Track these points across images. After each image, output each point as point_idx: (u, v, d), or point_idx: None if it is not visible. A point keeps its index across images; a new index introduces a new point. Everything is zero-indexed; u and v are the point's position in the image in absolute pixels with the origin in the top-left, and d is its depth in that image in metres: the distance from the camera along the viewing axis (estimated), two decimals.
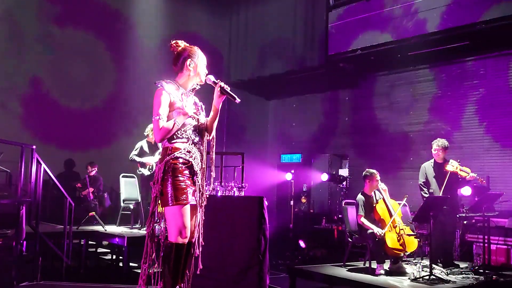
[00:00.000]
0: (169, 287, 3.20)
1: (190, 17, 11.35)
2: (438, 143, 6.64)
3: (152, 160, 7.71)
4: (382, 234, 5.83)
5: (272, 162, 11.77)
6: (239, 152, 6.38)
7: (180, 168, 3.23)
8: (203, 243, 3.47)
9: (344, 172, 10.92)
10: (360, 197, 6.29)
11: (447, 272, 5.93)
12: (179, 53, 3.44)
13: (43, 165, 6.06)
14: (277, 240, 8.89)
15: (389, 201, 6.25)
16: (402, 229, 6.00)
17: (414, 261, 6.21)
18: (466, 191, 7.21)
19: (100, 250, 8.37)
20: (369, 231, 6.01)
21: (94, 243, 8.07)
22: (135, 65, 10.12)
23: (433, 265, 5.67)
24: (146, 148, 7.82)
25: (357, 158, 10.54)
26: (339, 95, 11.28)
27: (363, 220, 6.10)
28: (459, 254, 7.30)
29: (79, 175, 9.37)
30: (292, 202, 10.27)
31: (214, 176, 3.65)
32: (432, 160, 6.74)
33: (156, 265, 3.28)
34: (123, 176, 8.44)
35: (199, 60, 3.44)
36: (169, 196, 3.18)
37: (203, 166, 3.41)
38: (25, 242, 6.31)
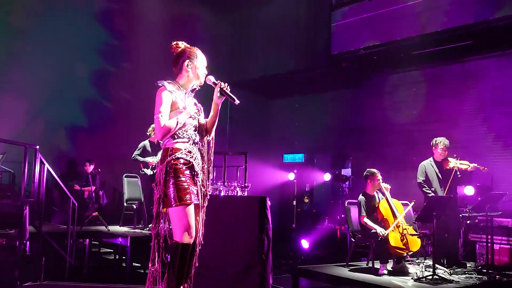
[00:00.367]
0: (173, 287, 3.20)
1: (193, 17, 11.35)
2: (444, 142, 6.61)
3: (155, 160, 7.72)
4: (386, 235, 5.83)
5: (275, 162, 11.77)
6: (242, 152, 6.38)
7: (181, 169, 3.23)
8: (202, 242, 3.46)
9: (346, 172, 10.92)
10: (361, 197, 6.27)
11: (450, 272, 5.91)
12: (178, 54, 3.46)
13: (47, 165, 6.08)
14: (280, 240, 8.89)
15: (392, 201, 6.23)
16: (406, 228, 5.98)
17: (417, 261, 6.20)
18: (469, 190, 7.19)
19: (103, 250, 8.39)
20: (372, 231, 6.00)
21: (97, 243, 8.08)
22: (138, 65, 10.13)
23: (436, 265, 5.66)
24: (148, 148, 7.83)
25: (360, 158, 10.52)
26: (342, 95, 11.27)
27: (366, 220, 6.09)
28: (462, 254, 7.28)
29: (82, 175, 9.36)
30: (294, 202, 10.27)
31: (212, 176, 3.66)
32: (431, 159, 6.72)
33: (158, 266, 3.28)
34: (126, 176, 8.46)
35: (198, 61, 3.45)
36: (172, 197, 3.18)
37: (204, 166, 3.42)
38: (28, 242, 6.34)
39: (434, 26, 8.30)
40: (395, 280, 5.53)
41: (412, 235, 5.98)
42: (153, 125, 7.46)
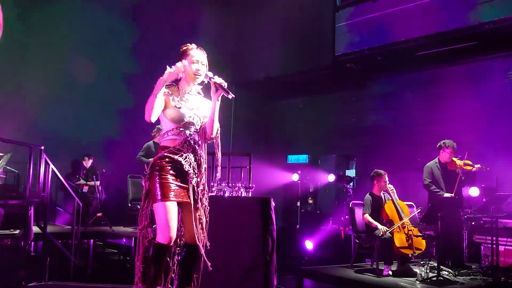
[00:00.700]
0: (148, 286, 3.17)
1: (198, 17, 11.36)
2: (453, 145, 6.61)
3: None
4: (387, 233, 5.83)
5: (279, 162, 11.76)
6: (247, 153, 6.38)
7: (165, 166, 3.20)
8: (207, 245, 3.40)
9: (351, 173, 10.90)
10: (368, 196, 6.28)
11: (455, 273, 5.90)
12: (179, 57, 3.46)
13: (51, 166, 6.10)
14: (284, 241, 8.88)
15: (398, 202, 6.23)
16: (411, 230, 5.98)
17: (421, 262, 6.20)
18: (474, 191, 7.17)
19: (107, 250, 8.41)
20: (376, 232, 5.99)
21: (102, 243, 8.10)
22: (143, 65, 10.14)
23: (441, 266, 5.64)
24: (153, 149, 7.84)
25: (364, 159, 10.51)
26: (346, 96, 11.25)
27: (367, 216, 6.09)
28: (467, 255, 7.26)
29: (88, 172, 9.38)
30: (299, 203, 10.26)
31: (219, 176, 3.61)
32: (437, 160, 6.71)
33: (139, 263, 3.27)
34: (130, 177, 8.47)
35: (188, 59, 3.39)
36: (154, 193, 3.18)
37: (200, 165, 3.34)
38: (33, 243, 6.37)
39: (438, 27, 8.28)
40: (400, 281, 5.52)
41: (417, 236, 5.97)
42: (158, 126, 7.49)
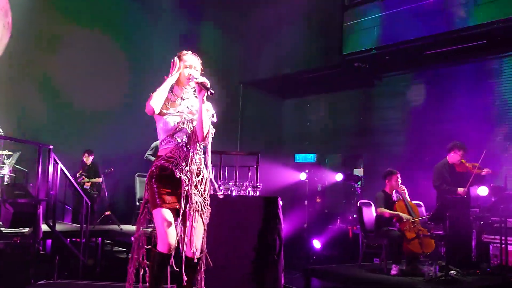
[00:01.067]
0: None
1: (204, 17, 11.38)
2: (464, 148, 6.57)
3: None
4: (410, 219, 5.87)
5: (287, 162, 11.75)
6: (254, 152, 6.38)
7: (160, 175, 3.21)
8: (199, 255, 3.30)
9: (359, 172, 10.87)
10: (380, 193, 6.29)
11: (463, 273, 5.87)
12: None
13: (60, 165, 6.14)
14: (292, 240, 8.87)
15: (408, 202, 6.22)
16: (421, 230, 5.97)
17: (430, 262, 6.17)
18: (482, 191, 7.13)
19: (115, 249, 8.44)
20: (391, 232, 5.96)
21: (110, 241, 8.14)
22: (150, 66, 10.18)
23: (449, 266, 5.62)
24: None
25: (372, 158, 10.48)
26: (354, 95, 11.22)
27: (383, 209, 6.07)
28: (476, 255, 7.22)
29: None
30: (306, 202, 10.24)
31: (212, 179, 3.44)
32: (445, 162, 6.67)
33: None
34: (138, 176, 8.51)
35: (182, 64, 3.37)
36: (151, 201, 3.20)
37: (193, 170, 3.24)
38: (42, 241, 6.41)
39: (447, 25, 8.24)
40: (408, 280, 5.50)
41: (425, 235, 5.96)
42: None
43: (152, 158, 7.81)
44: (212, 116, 3.37)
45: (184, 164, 3.22)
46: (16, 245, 5.71)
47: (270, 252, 5.00)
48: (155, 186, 3.19)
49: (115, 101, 9.62)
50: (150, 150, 7.90)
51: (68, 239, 6.67)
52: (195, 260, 3.25)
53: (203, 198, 3.30)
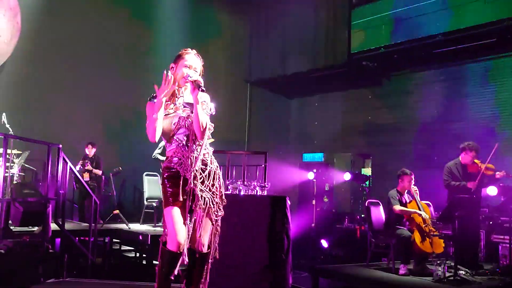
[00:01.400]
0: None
1: (211, 16, 11.39)
2: (477, 149, 6.51)
3: None
4: (428, 218, 5.92)
5: (294, 161, 11.74)
6: (262, 151, 6.38)
7: (169, 175, 3.23)
8: (215, 255, 3.36)
9: (367, 171, 10.84)
10: (393, 191, 6.27)
11: (472, 273, 5.84)
12: (174, 59, 3.43)
13: (69, 164, 6.17)
14: (300, 239, 8.88)
15: (420, 203, 6.20)
16: (432, 230, 5.95)
17: (438, 262, 6.15)
18: (492, 191, 7.09)
19: (123, 247, 8.48)
20: (401, 232, 5.93)
21: (118, 240, 8.17)
22: (158, 64, 10.20)
23: (458, 266, 5.59)
24: None
25: (380, 158, 10.44)
26: (362, 94, 11.19)
27: (399, 207, 6.06)
28: (485, 255, 7.18)
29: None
30: (314, 202, 10.23)
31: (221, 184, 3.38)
32: (457, 161, 6.63)
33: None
34: (146, 175, 8.54)
35: (180, 62, 3.34)
36: (163, 200, 3.24)
37: (198, 168, 3.23)
38: (50, 240, 6.45)
39: (455, 23, 8.19)
40: (416, 280, 5.48)
41: (434, 235, 5.94)
42: None
43: (160, 157, 7.82)
44: (210, 109, 3.31)
45: (188, 163, 3.22)
46: (26, 244, 5.74)
47: (278, 251, 5.00)
48: (167, 186, 3.22)
49: (123, 100, 9.66)
50: (158, 149, 7.91)
51: (77, 238, 6.71)
52: (203, 254, 3.26)
53: (212, 193, 3.28)
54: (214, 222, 3.31)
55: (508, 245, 6.38)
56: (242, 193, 5.37)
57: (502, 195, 7.19)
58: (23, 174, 7.84)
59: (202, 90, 3.15)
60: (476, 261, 6.42)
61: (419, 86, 9.90)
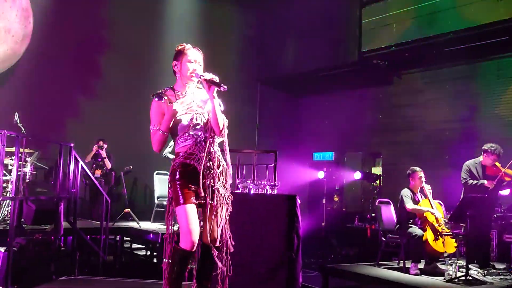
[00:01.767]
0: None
1: (221, 15, 11.40)
2: (500, 152, 6.44)
3: None
4: (441, 218, 5.92)
5: (304, 160, 11.73)
6: (272, 150, 6.38)
7: (182, 172, 3.20)
8: (232, 245, 3.37)
9: (377, 170, 10.80)
10: (406, 190, 6.24)
11: (484, 273, 5.80)
12: (174, 56, 3.41)
13: (81, 162, 6.21)
14: (310, 238, 8.86)
15: (433, 202, 6.17)
16: (444, 229, 5.93)
17: (449, 262, 6.12)
18: (504, 191, 7.02)
19: (134, 246, 8.53)
20: (413, 230, 5.90)
21: (129, 239, 8.22)
22: (169, 63, 10.24)
23: (470, 266, 5.55)
24: None
25: (391, 157, 10.40)
26: (372, 92, 11.15)
27: (413, 206, 6.04)
28: (497, 255, 7.13)
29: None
30: (324, 201, 10.23)
31: (229, 180, 3.40)
32: (478, 161, 6.56)
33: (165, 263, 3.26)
34: (157, 174, 8.58)
35: (184, 59, 3.33)
36: (175, 199, 3.20)
37: (215, 165, 3.25)
38: (62, 238, 6.50)
39: (467, 22, 8.13)
40: (427, 280, 5.46)
41: (445, 234, 5.91)
42: None
43: (171, 156, 7.84)
44: (220, 105, 3.30)
45: (206, 159, 3.22)
46: (38, 242, 5.80)
47: (288, 250, 5.00)
48: (178, 183, 3.19)
49: (134, 99, 9.69)
50: (169, 147, 7.94)
51: (88, 236, 6.76)
52: (215, 247, 3.26)
53: (226, 189, 3.32)
54: (227, 216, 3.34)
55: None
56: (252, 192, 5.38)
57: None
58: (35, 172, 7.91)
59: (224, 89, 3.11)
60: (487, 260, 6.38)
61: (430, 85, 9.84)
